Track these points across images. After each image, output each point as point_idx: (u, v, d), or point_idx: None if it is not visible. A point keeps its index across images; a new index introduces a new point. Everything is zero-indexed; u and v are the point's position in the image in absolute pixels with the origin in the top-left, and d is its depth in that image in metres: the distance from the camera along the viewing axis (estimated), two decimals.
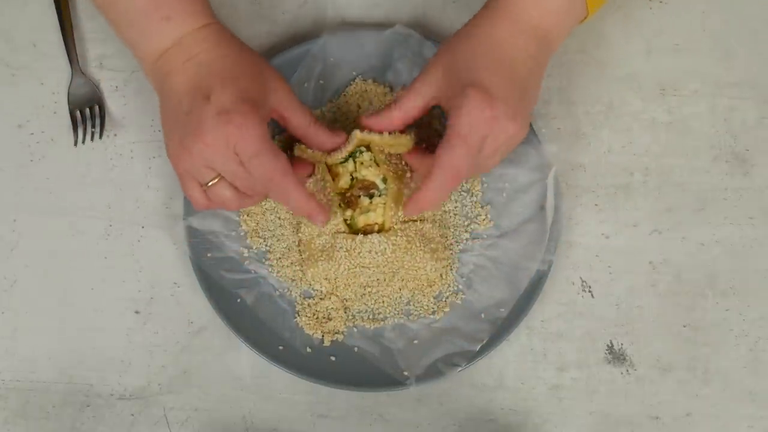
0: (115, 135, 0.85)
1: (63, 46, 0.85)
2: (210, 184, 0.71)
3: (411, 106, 0.75)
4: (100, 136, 0.85)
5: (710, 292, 0.83)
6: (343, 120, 0.85)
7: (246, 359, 0.81)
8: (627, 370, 0.82)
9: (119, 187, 0.84)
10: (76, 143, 0.84)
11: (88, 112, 0.85)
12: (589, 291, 0.83)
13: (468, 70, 0.72)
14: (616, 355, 0.82)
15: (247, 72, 0.71)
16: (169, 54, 0.71)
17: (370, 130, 0.77)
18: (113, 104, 0.86)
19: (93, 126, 0.85)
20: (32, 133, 0.85)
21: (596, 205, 0.85)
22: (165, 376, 0.82)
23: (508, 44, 0.73)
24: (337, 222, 0.78)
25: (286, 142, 0.82)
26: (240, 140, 0.68)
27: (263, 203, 0.83)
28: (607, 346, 0.82)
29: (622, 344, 0.82)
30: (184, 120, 0.69)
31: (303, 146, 0.81)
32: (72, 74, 0.85)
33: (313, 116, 0.76)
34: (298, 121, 0.75)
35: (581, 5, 0.74)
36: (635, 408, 0.82)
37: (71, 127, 0.84)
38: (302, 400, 0.82)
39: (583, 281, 0.83)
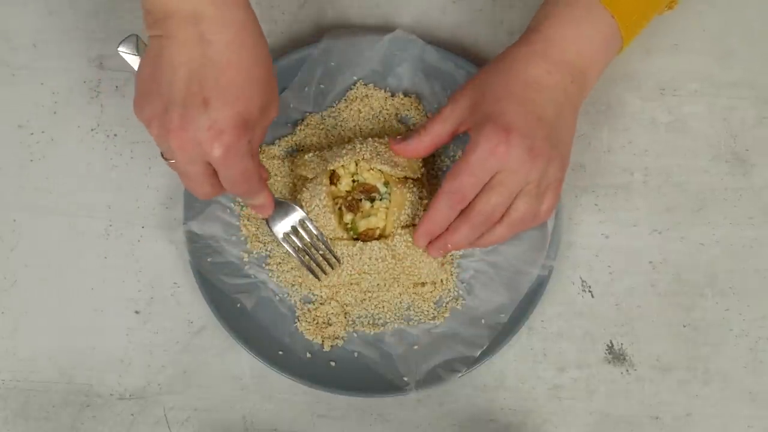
0: (115, 135, 0.85)
1: (63, 46, 0.85)
2: (168, 159, 0.69)
3: (439, 131, 0.75)
4: None
5: (710, 292, 0.83)
6: (343, 124, 0.85)
7: (246, 359, 0.81)
8: (627, 370, 0.82)
9: (119, 187, 0.84)
10: None
11: None
12: (589, 291, 0.83)
13: (493, 102, 0.71)
14: (616, 355, 0.82)
15: (255, 94, 0.66)
16: (180, 19, 0.64)
17: (399, 155, 0.78)
18: (113, 104, 0.86)
19: None
20: (32, 133, 0.85)
21: (596, 205, 0.85)
22: (165, 376, 0.82)
23: (541, 82, 0.72)
24: (334, 227, 0.78)
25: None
26: (222, 161, 0.66)
27: None
28: (607, 346, 0.82)
29: (622, 344, 0.82)
30: (170, 102, 0.65)
31: (306, 159, 0.81)
32: None
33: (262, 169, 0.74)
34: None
35: (618, 39, 0.74)
36: (635, 408, 0.82)
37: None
38: (302, 400, 0.82)
39: (583, 281, 0.83)
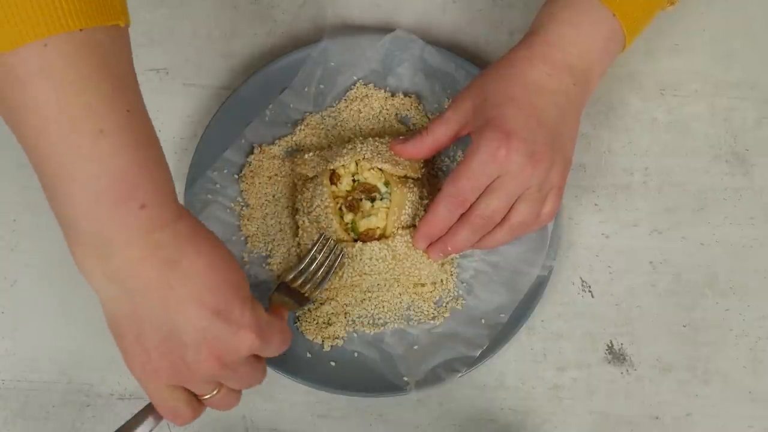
0: None
1: None
2: (213, 394, 0.66)
3: (441, 133, 0.75)
4: None
5: (710, 292, 0.83)
6: (343, 124, 0.85)
7: None
8: (627, 370, 0.82)
9: None
10: None
11: None
12: (589, 291, 0.83)
13: (494, 106, 0.71)
14: (616, 355, 0.82)
15: (235, 274, 0.62)
16: (136, 255, 0.57)
17: (400, 156, 0.78)
18: None
19: None
20: None
21: (596, 205, 0.85)
22: None
23: (541, 85, 0.71)
24: (335, 228, 0.78)
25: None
26: (265, 341, 0.63)
27: (264, 208, 0.83)
28: (607, 346, 0.82)
29: (622, 344, 0.82)
30: (184, 347, 0.61)
31: (306, 158, 0.81)
32: None
33: None
34: None
35: (620, 37, 0.73)
36: (635, 408, 0.82)
37: None
38: (302, 400, 0.82)
39: (583, 281, 0.83)
